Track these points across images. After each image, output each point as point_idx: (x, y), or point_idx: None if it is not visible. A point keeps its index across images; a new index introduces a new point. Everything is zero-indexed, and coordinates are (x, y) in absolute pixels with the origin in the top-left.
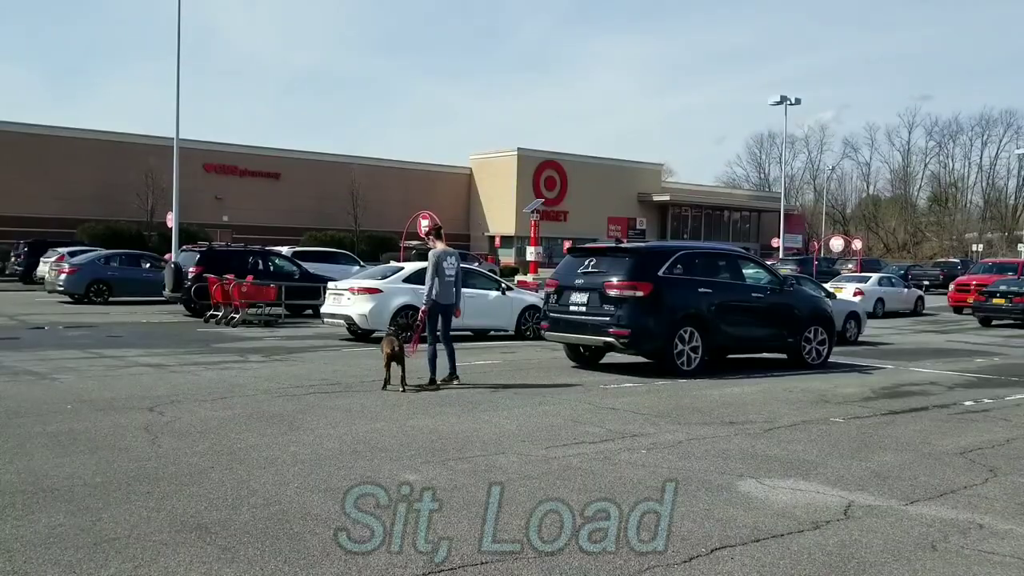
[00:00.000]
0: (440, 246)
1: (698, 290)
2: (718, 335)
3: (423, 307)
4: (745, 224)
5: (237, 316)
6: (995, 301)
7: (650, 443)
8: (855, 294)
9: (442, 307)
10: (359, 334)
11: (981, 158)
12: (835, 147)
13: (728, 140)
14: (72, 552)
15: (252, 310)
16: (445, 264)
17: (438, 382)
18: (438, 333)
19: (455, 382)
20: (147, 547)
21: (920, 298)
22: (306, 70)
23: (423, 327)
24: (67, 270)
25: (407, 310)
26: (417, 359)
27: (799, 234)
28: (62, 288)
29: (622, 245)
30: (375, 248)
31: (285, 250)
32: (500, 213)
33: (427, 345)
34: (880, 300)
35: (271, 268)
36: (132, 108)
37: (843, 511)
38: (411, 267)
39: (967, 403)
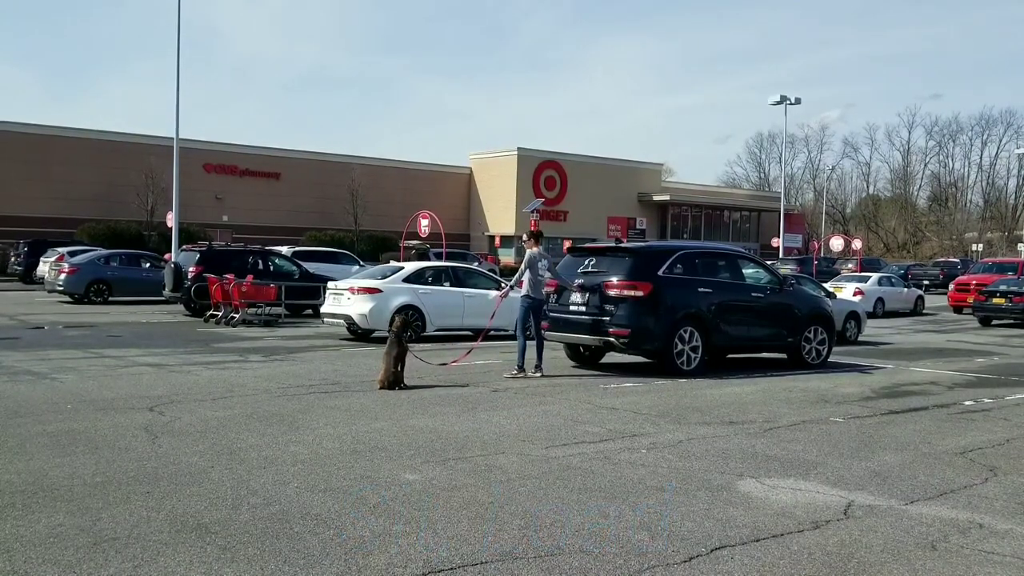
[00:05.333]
0: (536, 249)
1: (698, 290)
2: (718, 335)
3: (524, 303)
4: (745, 224)
5: (237, 316)
6: (995, 301)
7: (650, 443)
8: (855, 294)
9: (537, 303)
10: (359, 334)
11: (981, 158)
12: (835, 147)
13: (730, 140)
14: (72, 552)
15: (252, 310)
16: (539, 265)
17: (527, 373)
18: (528, 327)
19: (539, 374)
20: (147, 547)
21: (920, 298)
22: (306, 70)
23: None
24: (67, 270)
25: (407, 310)
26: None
27: (799, 234)
28: (62, 288)
29: (622, 245)
30: (375, 248)
31: (285, 250)
32: (500, 213)
33: (518, 337)
34: (880, 300)
35: (271, 268)
36: (132, 108)
37: (843, 511)
38: (411, 267)
39: (967, 403)
